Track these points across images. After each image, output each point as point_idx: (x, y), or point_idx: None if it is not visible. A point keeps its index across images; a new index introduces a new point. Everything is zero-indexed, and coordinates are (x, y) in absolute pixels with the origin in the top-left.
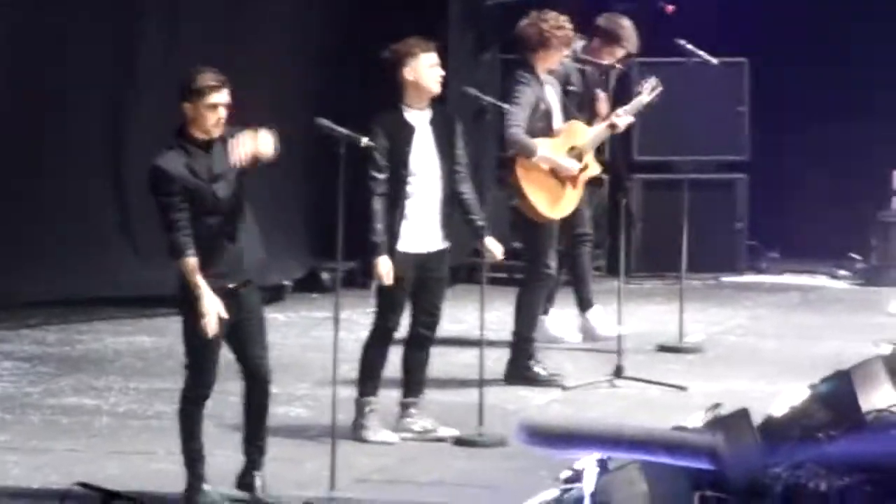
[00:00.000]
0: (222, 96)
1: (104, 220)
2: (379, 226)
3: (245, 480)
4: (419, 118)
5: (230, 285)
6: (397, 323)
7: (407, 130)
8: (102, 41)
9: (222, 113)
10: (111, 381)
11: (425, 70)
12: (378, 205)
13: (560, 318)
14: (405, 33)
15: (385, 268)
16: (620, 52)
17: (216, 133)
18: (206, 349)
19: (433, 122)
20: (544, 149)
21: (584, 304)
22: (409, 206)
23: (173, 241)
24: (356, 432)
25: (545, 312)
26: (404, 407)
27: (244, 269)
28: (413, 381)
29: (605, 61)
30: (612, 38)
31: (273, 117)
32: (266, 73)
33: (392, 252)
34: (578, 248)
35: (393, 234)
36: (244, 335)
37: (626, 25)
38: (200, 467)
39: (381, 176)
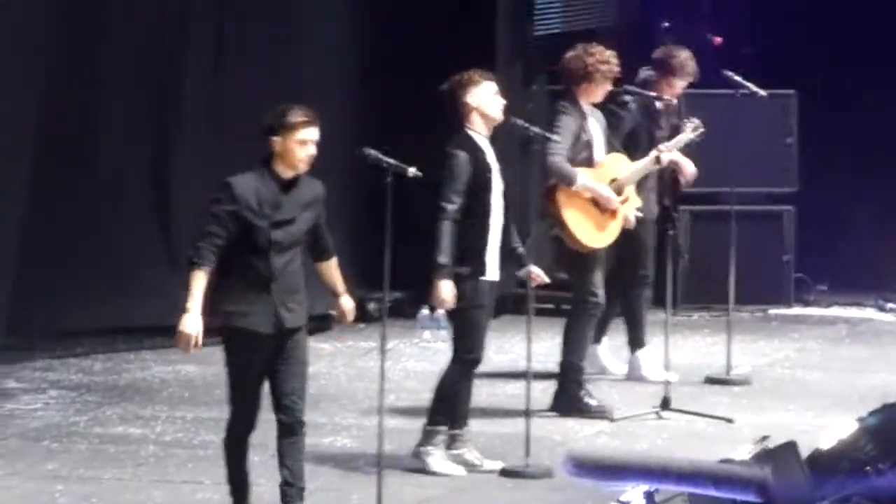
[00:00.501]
0: (312, 133)
1: (151, 249)
2: (447, 248)
3: None
4: (486, 145)
5: (262, 331)
6: (482, 354)
7: (483, 155)
8: (146, 79)
9: (311, 150)
10: (157, 411)
11: (489, 97)
12: (448, 228)
13: (611, 350)
14: (454, 66)
15: (449, 292)
16: (680, 84)
17: (302, 169)
18: (243, 383)
19: (495, 150)
20: (584, 177)
21: (635, 343)
22: (491, 233)
23: (195, 248)
24: (420, 459)
25: (597, 341)
26: (452, 439)
27: (281, 319)
28: (461, 413)
29: (665, 94)
30: (668, 70)
31: (318, 146)
32: (310, 101)
33: (477, 280)
34: (638, 288)
35: (481, 262)
36: (279, 380)
37: (683, 56)
38: (244, 499)
39: (457, 201)
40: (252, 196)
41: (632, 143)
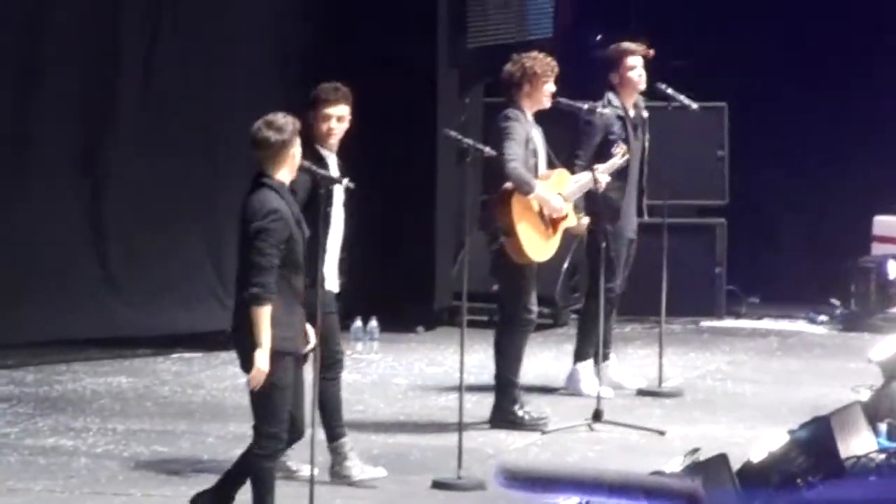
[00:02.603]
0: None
1: (83, 260)
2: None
3: None
4: (332, 158)
5: (301, 351)
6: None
7: (326, 167)
8: (80, 84)
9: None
10: (89, 423)
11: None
12: None
13: (620, 365)
14: (396, 74)
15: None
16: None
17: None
18: (286, 404)
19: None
20: (540, 187)
21: (580, 356)
22: (330, 244)
23: (258, 282)
24: (340, 476)
25: (606, 358)
26: (335, 451)
27: (305, 335)
28: (337, 424)
29: (586, 105)
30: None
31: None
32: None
33: (317, 291)
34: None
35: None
36: (296, 398)
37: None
38: None
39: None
40: (290, 215)
41: (604, 152)
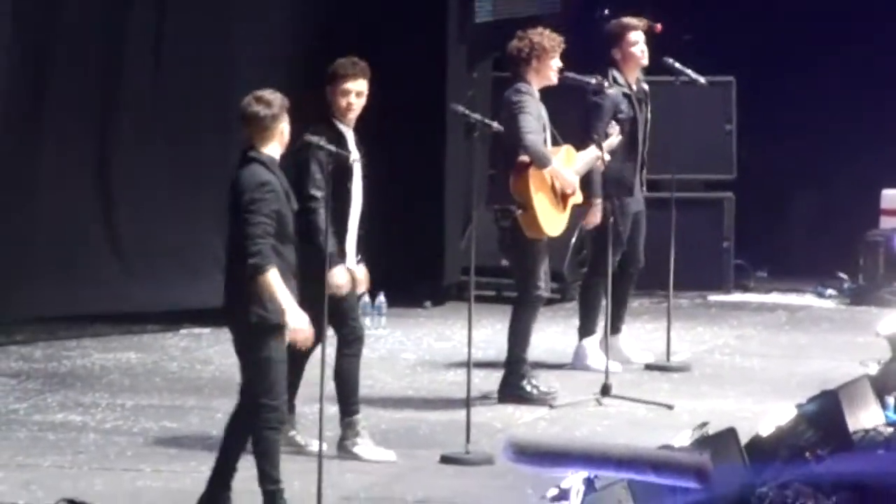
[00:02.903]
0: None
1: (92, 236)
2: (329, 236)
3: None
4: (349, 133)
5: None
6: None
7: (345, 142)
8: (87, 62)
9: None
10: (98, 398)
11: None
12: (324, 216)
13: (630, 339)
14: (406, 49)
15: (344, 276)
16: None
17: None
18: (282, 374)
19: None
20: (556, 161)
21: (585, 331)
22: (350, 220)
23: (255, 251)
24: (348, 451)
25: (617, 331)
26: (349, 426)
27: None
28: (353, 399)
29: (593, 79)
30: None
31: None
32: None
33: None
34: (597, 277)
35: (341, 248)
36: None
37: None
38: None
39: (324, 188)
40: (280, 188)
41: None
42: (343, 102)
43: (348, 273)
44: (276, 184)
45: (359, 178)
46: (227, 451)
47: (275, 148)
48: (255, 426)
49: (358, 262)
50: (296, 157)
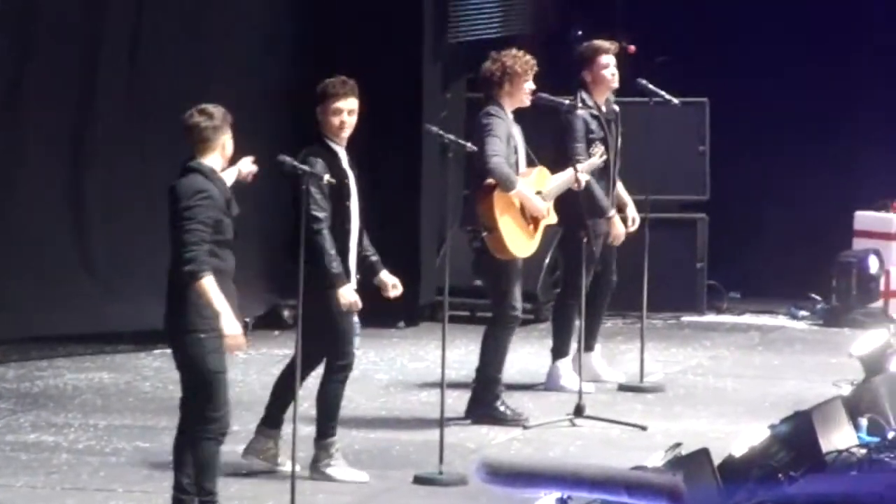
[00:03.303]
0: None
1: (65, 256)
2: (335, 255)
3: None
4: (342, 152)
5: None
6: (353, 359)
7: (339, 162)
8: (62, 79)
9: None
10: (71, 418)
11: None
12: (329, 236)
13: (601, 357)
14: (382, 68)
15: (353, 294)
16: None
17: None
18: (224, 383)
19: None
20: (521, 184)
21: (558, 353)
22: (350, 239)
23: (191, 259)
24: (320, 473)
25: (589, 349)
26: (324, 448)
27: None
28: (332, 423)
29: (567, 100)
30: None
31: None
32: (231, 107)
33: None
34: (573, 298)
35: (344, 267)
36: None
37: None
38: None
39: (326, 208)
40: (218, 197)
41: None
42: (336, 121)
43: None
44: (215, 192)
45: (356, 197)
46: (179, 469)
47: (215, 159)
48: (195, 437)
49: (371, 271)
50: (292, 178)
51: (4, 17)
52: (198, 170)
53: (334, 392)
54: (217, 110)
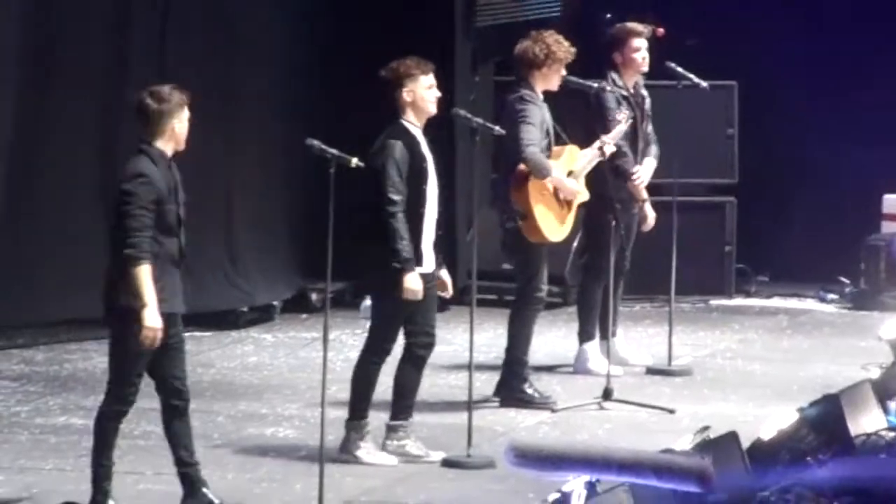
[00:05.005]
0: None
1: (94, 240)
2: (406, 243)
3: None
4: (420, 135)
5: (177, 312)
6: (392, 345)
7: (419, 146)
8: (92, 75)
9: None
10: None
11: (423, 91)
12: (402, 220)
13: (626, 341)
14: (414, 51)
15: (416, 284)
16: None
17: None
18: (139, 366)
19: (428, 143)
20: (556, 170)
21: (585, 336)
22: (426, 224)
23: (133, 243)
24: (349, 454)
25: (612, 335)
26: (393, 430)
27: (185, 299)
28: (406, 404)
29: (595, 84)
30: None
31: (262, 136)
32: (255, 91)
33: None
34: (596, 281)
35: (417, 253)
36: (174, 363)
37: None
38: (108, 484)
39: (403, 192)
40: (160, 180)
41: (610, 129)
42: (430, 97)
43: (422, 279)
44: (157, 175)
45: (434, 180)
46: (174, 446)
47: (166, 143)
48: (100, 409)
49: (438, 265)
50: (371, 160)
51: (32, 9)
52: (145, 152)
53: (367, 373)
54: (171, 93)
